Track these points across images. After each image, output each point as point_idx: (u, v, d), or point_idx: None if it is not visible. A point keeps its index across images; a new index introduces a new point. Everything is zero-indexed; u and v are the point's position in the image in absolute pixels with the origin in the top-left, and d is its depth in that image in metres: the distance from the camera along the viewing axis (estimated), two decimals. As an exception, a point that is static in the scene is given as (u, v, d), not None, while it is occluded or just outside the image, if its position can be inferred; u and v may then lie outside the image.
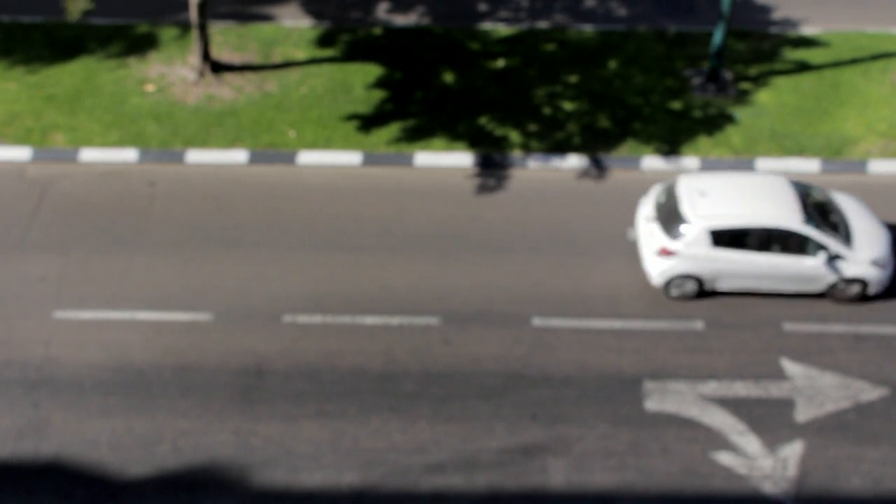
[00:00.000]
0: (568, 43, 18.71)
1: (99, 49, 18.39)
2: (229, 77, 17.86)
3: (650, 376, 13.50)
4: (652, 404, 13.21)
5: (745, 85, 17.93)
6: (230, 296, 14.38)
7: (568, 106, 17.51)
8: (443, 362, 13.63)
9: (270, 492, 12.30)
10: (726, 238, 13.93)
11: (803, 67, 18.30)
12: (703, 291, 14.39)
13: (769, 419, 13.05)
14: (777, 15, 19.48)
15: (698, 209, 14.07)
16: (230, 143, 16.74)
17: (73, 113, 17.19)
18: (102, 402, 13.10)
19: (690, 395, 13.31)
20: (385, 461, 12.58)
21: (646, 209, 14.81)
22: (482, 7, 19.56)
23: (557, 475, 12.47)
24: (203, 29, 17.21)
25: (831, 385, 13.44)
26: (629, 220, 15.63)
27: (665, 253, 14.06)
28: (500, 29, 19.00)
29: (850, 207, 14.76)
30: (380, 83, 17.88)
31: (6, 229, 15.28)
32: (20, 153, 16.55)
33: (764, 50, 18.64)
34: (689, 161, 16.59)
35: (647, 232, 14.48)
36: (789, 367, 13.65)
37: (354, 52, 18.51)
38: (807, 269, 13.99)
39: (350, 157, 16.61)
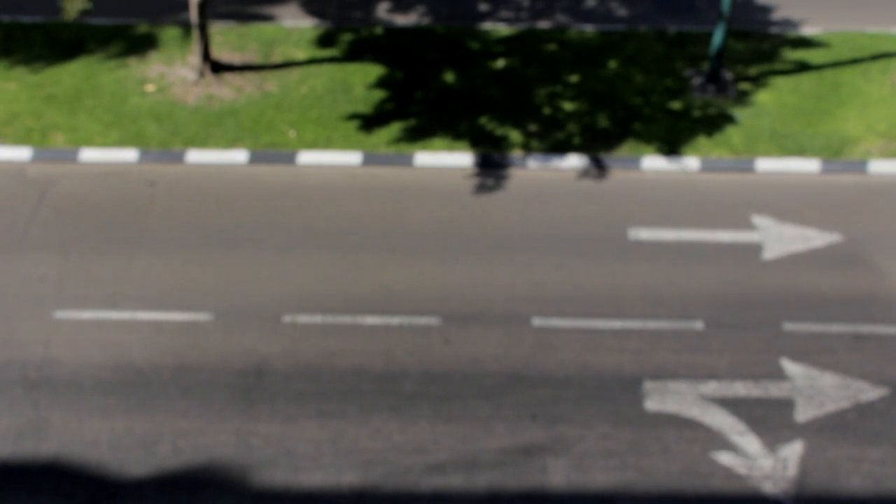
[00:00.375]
0: (568, 43, 18.71)
1: (99, 49, 18.39)
2: (229, 77, 17.87)
3: (650, 376, 13.50)
4: (652, 404, 13.21)
5: (745, 85, 17.93)
6: (230, 296, 14.38)
7: (568, 106, 17.51)
8: (443, 362, 13.63)
9: (270, 492, 12.30)
10: None
11: (803, 67, 18.31)
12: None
13: (769, 419, 13.05)
14: (777, 15, 19.49)
15: None
16: (230, 143, 16.74)
17: (73, 113, 17.19)
18: (102, 402, 13.10)
19: (690, 395, 13.31)
20: (385, 461, 12.58)
21: None
22: (483, 7, 19.57)
23: (557, 475, 12.47)
24: (203, 29, 17.21)
25: (831, 385, 13.44)
26: (629, 220, 15.63)
27: None
28: (500, 29, 19.00)
29: None
30: (380, 83, 17.89)
31: (6, 229, 15.28)
32: (20, 153, 16.55)
33: (764, 50, 18.64)
34: (690, 161, 16.60)
35: None
36: (789, 367, 13.65)
37: (355, 52, 18.52)
38: None
39: (350, 157, 16.61)
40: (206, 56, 17.63)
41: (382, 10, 19.44)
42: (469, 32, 18.91)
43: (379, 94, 17.67)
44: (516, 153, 16.70)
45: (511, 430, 12.90)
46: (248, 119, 17.15)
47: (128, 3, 19.42)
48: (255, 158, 16.58)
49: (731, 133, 17.07)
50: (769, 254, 15.17)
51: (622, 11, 19.50)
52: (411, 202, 15.91)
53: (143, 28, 18.87)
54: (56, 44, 18.49)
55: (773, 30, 19.12)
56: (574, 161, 16.61)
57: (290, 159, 16.58)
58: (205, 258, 14.90)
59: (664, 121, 17.25)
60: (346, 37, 18.83)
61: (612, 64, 18.29)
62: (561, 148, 16.79)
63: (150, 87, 17.68)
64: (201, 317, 14.10)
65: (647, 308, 14.34)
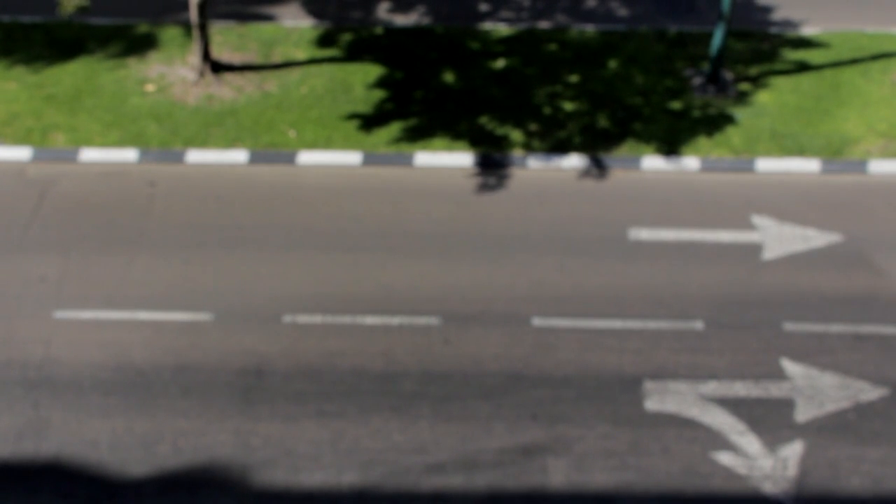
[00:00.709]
0: (568, 43, 18.71)
1: (99, 49, 18.40)
2: (229, 77, 17.87)
3: (650, 376, 13.50)
4: (652, 404, 13.21)
5: (745, 85, 17.93)
6: (230, 296, 14.38)
7: (568, 106, 17.52)
8: (443, 362, 13.63)
9: (270, 492, 12.30)
10: None
11: (803, 67, 18.31)
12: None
13: (769, 419, 13.05)
14: (777, 15, 19.49)
15: None
16: (230, 143, 16.75)
17: (74, 113, 17.19)
18: (102, 402, 13.10)
19: (690, 395, 13.31)
20: (385, 461, 12.58)
21: None
22: (483, 7, 19.57)
23: (557, 475, 12.47)
24: (203, 29, 17.21)
25: (831, 385, 13.44)
26: (629, 220, 15.63)
27: None
28: (500, 29, 19.00)
29: None
30: (380, 83, 17.89)
31: (6, 229, 15.28)
32: (20, 153, 16.55)
33: (764, 50, 18.64)
34: (690, 161, 16.60)
35: None
36: (789, 367, 13.65)
37: (355, 52, 18.52)
38: None
39: (350, 157, 16.61)
40: (206, 56, 17.64)
41: (382, 10, 19.44)
42: (469, 32, 18.91)
43: (379, 94, 17.67)
44: (516, 153, 16.70)
45: (511, 430, 12.90)
46: (248, 119, 17.16)
47: (128, 3, 19.42)
48: (255, 158, 16.58)
49: (731, 133, 17.07)
50: (769, 254, 15.17)
51: (622, 11, 19.50)
52: (411, 202, 15.91)
53: (143, 28, 18.88)
54: (56, 44, 18.49)
55: (773, 30, 19.12)
56: (574, 161, 16.61)
57: (290, 159, 16.58)
58: (205, 258, 14.90)
59: (664, 121, 17.25)
60: (346, 37, 18.83)
61: (612, 64, 18.30)
62: (561, 148, 16.79)
63: (150, 87, 17.68)
64: (201, 317, 14.11)
65: (647, 308, 14.34)
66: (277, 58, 18.35)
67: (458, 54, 18.44)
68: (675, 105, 17.55)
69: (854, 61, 18.41)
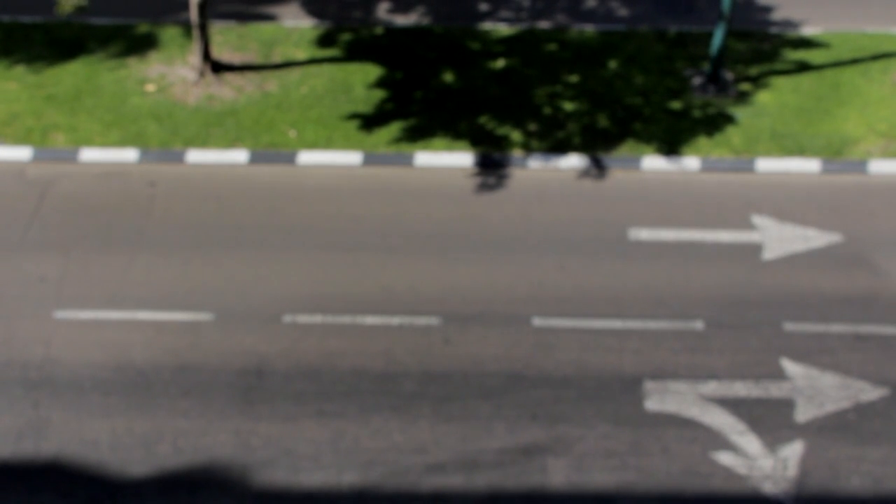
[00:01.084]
0: (568, 43, 18.71)
1: (99, 49, 18.40)
2: (229, 77, 17.87)
3: (650, 376, 13.50)
4: (652, 404, 13.21)
5: (745, 85, 17.93)
6: (230, 296, 14.39)
7: (568, 106, 17.52)
8: (443, 362, 13.63)
9: (270, 492, 12.30)
10: None
11: (803, 67, 18.31)
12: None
13: (769, 419, 13.05)
14: (777, 15, 19.48)
15: None
16: (230, 143, 16.75)
17: (74, 113, 17.19)
18: (102, 402, 13.11)
19: (690, 395, 13.31)
20: (385, 461, 12.58)
21: None
22: (483, 7, 19.57)
23: (557, 475, 12.48)
24: (203, 29, 17.21)
25: (831, 385, 13.44)
26: (629, 220, 15.63)
27: None
28: (500, 29, 19.00)
29: None
30: (380, 83, 17.89)
31: (6, 229, 15.29)
32: (20, 153, 16.55)
33: (764, 50, 18.64)
34: (690, 161, 16.60)
35: None
36: (789, 367, 13.65)
37: (355, 52, 18.52)
38: None
39: (350, 157, 16.61)
40: (206, 56, 17.63)
41: (382, 10, 19.44)
42: (469, 32, 18.91)
43: (379, 94, 17.67)
44: (516, 153, 16.70)
45: (511, 430, 12.90)
46: (248, 119, 17.16)
47: (128, 3, 19.42)
48: (255, 158, 16.58)
49: (731, 133, 17.07)
50: (769, 254, 15.17)
51: (622, 11, 19.50)
52: (411, 202, 15.91)
53: (143, 28, 18.88)
54: (56, 44, 18.49)
55: (773, 30, 19.12)
56: (574, 161, 16.61)
57: (290, 159, 16.58)
58: (205, 258, 14.91)
59: (664, 121, 17.25)
60: (346, 37, 18.83)
61: (612, 64, 18.29)
62: (561, 148, 16.80)
63: (150, 87, 17.68)
64: (202, 317, 14.11)
65: (647, 308, 14.34)
66: (277, 58, 18.35)
67: (457, 54, 18.44)
68: (676, 105, 17.55)
69: (854, 61, 18.41)
